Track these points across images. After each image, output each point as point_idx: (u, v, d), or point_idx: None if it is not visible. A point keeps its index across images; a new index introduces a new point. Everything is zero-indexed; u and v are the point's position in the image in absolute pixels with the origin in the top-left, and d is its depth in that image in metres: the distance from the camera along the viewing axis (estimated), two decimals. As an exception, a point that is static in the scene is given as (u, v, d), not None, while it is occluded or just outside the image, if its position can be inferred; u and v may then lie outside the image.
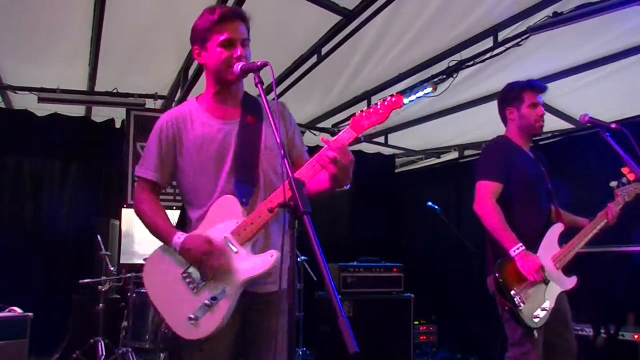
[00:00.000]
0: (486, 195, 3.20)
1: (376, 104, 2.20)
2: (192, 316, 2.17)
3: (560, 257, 3.24)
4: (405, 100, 5.83)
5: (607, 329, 4.70)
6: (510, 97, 3.46)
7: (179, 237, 2.22)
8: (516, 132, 3.44)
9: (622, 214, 3.45)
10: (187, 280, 2.24)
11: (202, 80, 5.29)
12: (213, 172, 2.29)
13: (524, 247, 3.07)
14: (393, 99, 2.19)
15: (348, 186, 2.23)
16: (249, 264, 2.20)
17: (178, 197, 2.52)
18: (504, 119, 3.51)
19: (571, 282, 3.25)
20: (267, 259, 2.19)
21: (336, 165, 2.07)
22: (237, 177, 2.28)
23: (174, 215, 2.43)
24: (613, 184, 3.53)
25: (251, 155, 2.33)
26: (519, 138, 3.43)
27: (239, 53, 2.25)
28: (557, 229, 3.31)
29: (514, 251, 3.06)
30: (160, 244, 2.35)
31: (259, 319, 2.31)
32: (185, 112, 2.39)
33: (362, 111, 2.22)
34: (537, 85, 3.46)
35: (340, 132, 2.17)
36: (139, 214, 2.39)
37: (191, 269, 2.24)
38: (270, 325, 2.26)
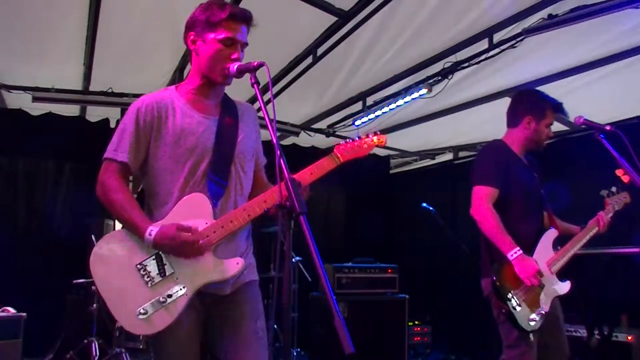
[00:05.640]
0: (483, 200, 3.20)
1: (361, 139, 2.36)
2: (142, 310, 2.13)
3: (554, 261, 3.26)
4: (401, 102, 5.85)
5: (600, 330, 4.72)
6: (536, 106, 3.42)
7: (156, 226, 2.18)
8: (520, 141, 3.43)
9: (616, 216, 3.47)
10: (143, 272, 2.19)
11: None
12: (189, 165, 2.27)
13: (521, 251, 3.08)
14: (378, 138, 2.42)
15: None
16: (213, 267, 2.19)
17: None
18: (515, 122, 3.46)
19: (565, 287, 3.28)
20: (233, 266, 2.20)
21: None
22: (211, 176, 2.27)
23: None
24: (603, 192, 3.55)
25: (226, 158, 2.33)
26: (519, 147, 3.43)
27: (236, 55, 2.27)
28: (551, 234, 3.34)
29: (512, 255, 3.07)
30: None
31: (223, 312, 2.30)
32: (166, 98, 2.36)
33: (347, 142, 2.39)
34: (561, 109, 3.45)
35: (323, 159, 2.32)
36: (108, 201, 2.26)
37: (149, 261, 2.20)
38: (235, 314, 2.29)
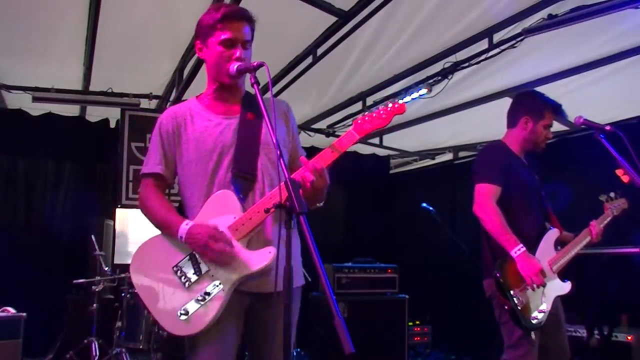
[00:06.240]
0: (486, 197, 3.19)
1: (379, 109, 2.28)
2: (183, 311, 2.15)
3: (556, 261, 3.26)
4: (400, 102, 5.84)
5: (600, 330, 4.72)
6: (533, 107, 3.42)
7: (187, 223, 2.20)
8: (518, 142, 3.43)
9: (616, 216, 3.48)
10: (179, 273, 2.21)
11: (197, 80, 5.32)
12: (211, 165, 2.28)
13: (524, 249, 3.08)
14: (396, 105, 2.30)
15: (321, 204, 2.31)
16: (246, 260, 2.18)
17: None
18: (514, 122, 3.47)
19: (567, 287, 3.27)
20: (266, 255, 2.17)
21: (312, 186, 2.13)
22: (235, 172, 2.27)
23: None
24: (602, 197, 3.55)
25: (250, 151, 2.33)
26: (518, 147, 3.44)
27: (237, 54, 2.26)
28: (553, 234, 3.34)
29: (515, 252, 3.07)
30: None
31: (264, 316, 2.29)
32: (185, 108, 2.40)
33: (364, 115, 2.31)
34: (560, 112, 3.45)
35: (344, 134, 2.27)
36: (144, 210, 2.35)
37: (184, 262, 2.22)
38: (276, 322, 2.26)
